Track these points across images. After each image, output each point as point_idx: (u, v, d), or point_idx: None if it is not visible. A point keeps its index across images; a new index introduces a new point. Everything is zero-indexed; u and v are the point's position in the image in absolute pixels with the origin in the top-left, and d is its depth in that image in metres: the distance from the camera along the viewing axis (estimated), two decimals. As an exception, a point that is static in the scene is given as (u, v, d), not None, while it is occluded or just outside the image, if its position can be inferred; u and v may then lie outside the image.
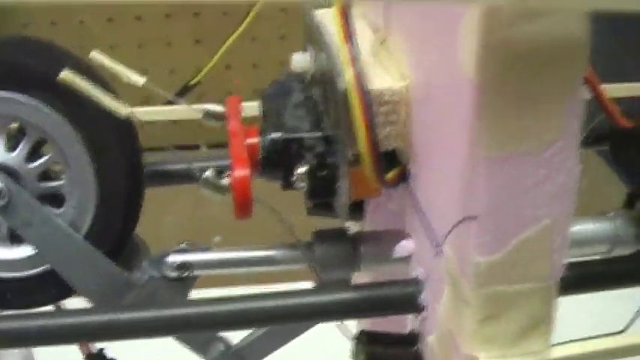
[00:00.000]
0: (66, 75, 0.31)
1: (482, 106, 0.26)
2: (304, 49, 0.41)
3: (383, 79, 0.34)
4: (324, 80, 0.38)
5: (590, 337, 0.32)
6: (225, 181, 0.34)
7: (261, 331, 0.42)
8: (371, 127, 0.32)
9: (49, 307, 0.40)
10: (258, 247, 0.40)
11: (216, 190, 0.34)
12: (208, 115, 0.39)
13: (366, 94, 0.32)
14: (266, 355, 0.42)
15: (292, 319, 0.37)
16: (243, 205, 0.34)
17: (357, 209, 0.42)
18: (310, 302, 0.36)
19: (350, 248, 0.39)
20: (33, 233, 0.37)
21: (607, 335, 0.33)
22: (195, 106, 0.39)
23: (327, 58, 0.37)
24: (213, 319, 0.36)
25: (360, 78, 0.32)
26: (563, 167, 0.27)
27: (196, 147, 0.58)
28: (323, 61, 0.38)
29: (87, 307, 0.38)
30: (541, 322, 0.29)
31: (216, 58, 0.51)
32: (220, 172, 0.34)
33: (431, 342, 0.34)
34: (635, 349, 0.32)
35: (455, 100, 0.28)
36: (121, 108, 0.32)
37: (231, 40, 0.52)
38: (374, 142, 0.33)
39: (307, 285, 0.39)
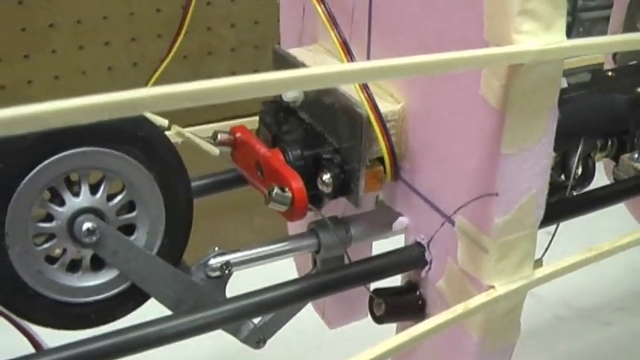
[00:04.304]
0: (175, 129, 0.40)
1: (502, 123, 0.40)
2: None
3: (382, 103, 0.47)
4: (317, 105, 0.49)
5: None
6: (288, 194, 0.45)
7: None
8: (389, 138, 0.46)
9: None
10: (273, 241, 0.50)
11: (283, 203, 0.45)
12: (222, 143, 0.50)
13: (381, 116, 0.45)
14: (282, 326, 0.53)
15: (320, 294, 0.49)
16: (302, 210, 0.45)
17: (319, 201, 0.54)
18: (343, 274, 0.48)
19: (344, 230, 0.51)
20: (119, 259, 0.45)
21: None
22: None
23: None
24: (257, 309, 0.46)
25: (374, 102, 0.45)
26: (545, 154, 0.42)
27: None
28: (312, 90, 0.50)
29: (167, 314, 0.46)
30: (529, 255, 0.44)
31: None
32: (282, 188, 0.45)
33: (439, 285, 0.48)
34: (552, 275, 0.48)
35: (473, 120, 0.42)
36: (215, 150, 0.42)
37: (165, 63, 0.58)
38: (392, 148, 0.46)
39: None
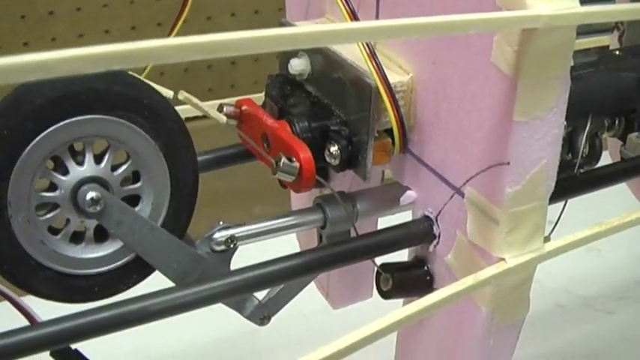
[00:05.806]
0: (182, 95, 0.39)
1: (514, 90, 0.39)
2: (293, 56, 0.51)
3: (391, 74, 0.46)
4: (326, 77, 0.49)
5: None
6: (295, 164, 0.44)
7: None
8: (398, 109, 0.45)
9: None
10: (279, 215, 0.50)
11: (291, 173, 0.44)
12: (228, 116, 0.49)
13: (390, 86, 0.45)
14: (287, 302, 0.53)
15: (326, 267, 0.48)
16: (309, 180, 0.45)
17: (326, 175, 0.53)
18: (350, 247, 0.47)
19: (350, 205, 0.51)
20: (123, 230, 0.44)
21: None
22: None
23: (324, 59, 0.48)
24: (262, 281, 0.45)
25: (382, 72, 0.44)
26: (556, 123, 0.41)
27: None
28: (319, 62, 0.49)
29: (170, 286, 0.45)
30: (539, 228, 0.44)
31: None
32: (289, 158, 0.44)
33: (448, 259, 0.47)
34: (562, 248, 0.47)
35: (484, 88, 0.41)
36: (222, 118, 0.41)
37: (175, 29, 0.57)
38: (401, 120, 0.45)
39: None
